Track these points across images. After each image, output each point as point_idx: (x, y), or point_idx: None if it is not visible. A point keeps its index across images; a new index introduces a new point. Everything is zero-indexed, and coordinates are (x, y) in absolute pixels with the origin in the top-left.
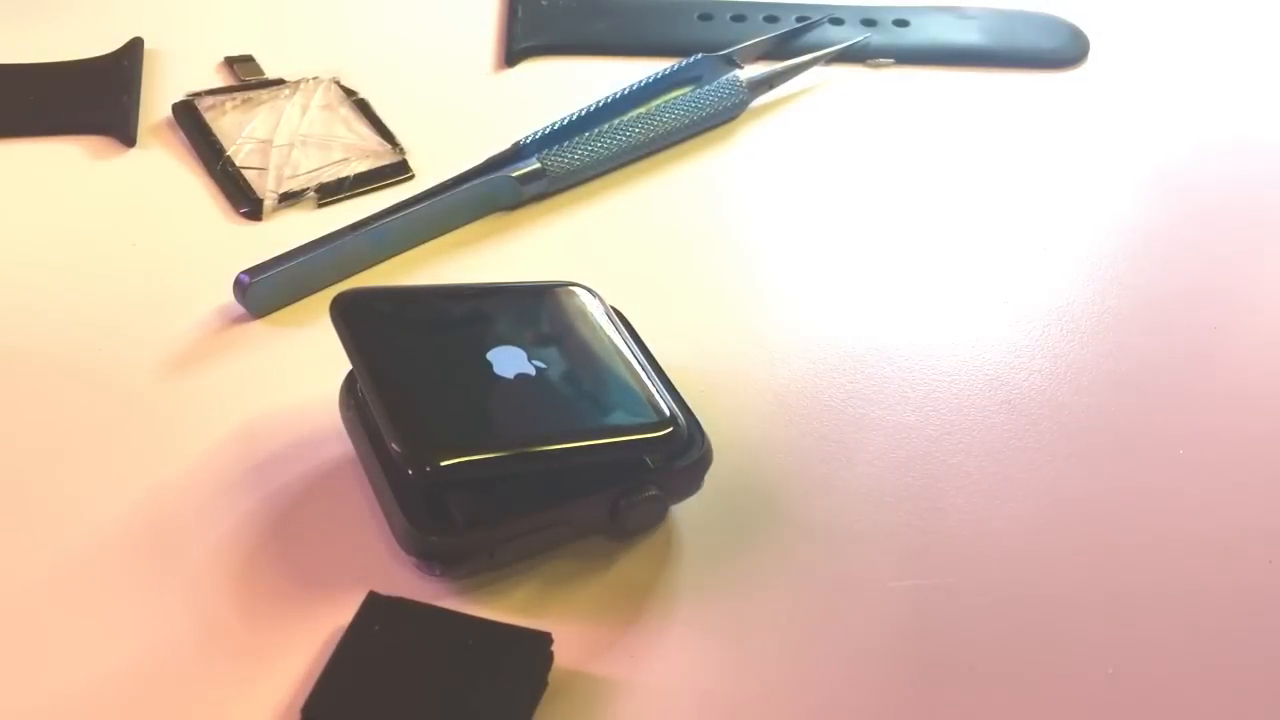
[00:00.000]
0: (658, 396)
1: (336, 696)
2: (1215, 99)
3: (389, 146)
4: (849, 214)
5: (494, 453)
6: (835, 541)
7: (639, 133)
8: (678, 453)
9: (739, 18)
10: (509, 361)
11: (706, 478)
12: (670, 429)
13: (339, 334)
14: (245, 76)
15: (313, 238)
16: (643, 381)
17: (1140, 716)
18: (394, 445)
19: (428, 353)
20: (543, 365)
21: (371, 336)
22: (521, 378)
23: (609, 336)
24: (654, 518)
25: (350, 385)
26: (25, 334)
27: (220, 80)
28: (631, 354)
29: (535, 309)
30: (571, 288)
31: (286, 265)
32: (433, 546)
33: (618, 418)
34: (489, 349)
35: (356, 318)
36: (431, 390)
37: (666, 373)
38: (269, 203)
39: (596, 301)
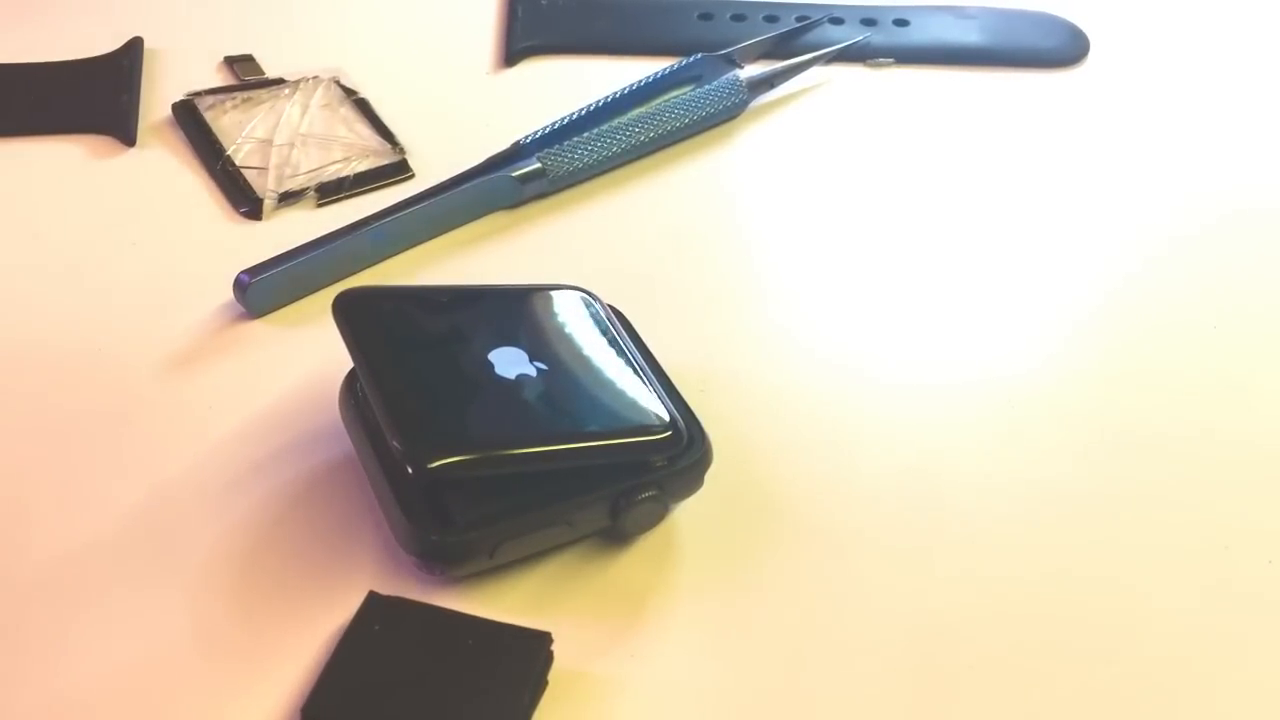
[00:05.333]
0: (658, 399)
1: (336, 696)
2: (1215, 98)
3: (389, 146)
4: (849, 214)
5: (493, 451)
6: (835, 541)
7: (639, 132)
8: (678, 454)
9: (739, 17)
10: (510, 362)
11: (707, 477)
12: (669, 432)
13: (341, 332)
14: (245, 76)
15: (312, 237)
16: (643, 384)
17: (1140, 715)
18: (395, 443)
19: (429, 352)
20: (544, 367)
21: (373, 335)
22: (523, 378)
23: (609, 339)
24: (654, 518)
25: (351, 384)
26: (25, 334)
27: (220, 80)
28: (632, 356)
29: (536, 311)
30: (572, 290)
31: (286, 265)
32: (433, 545)
33: (618, 420)
34: (490, 350)
35: (358, 316)
36: (433, 389)
37: (666, 373)
38: (269, 202)
39: (597, 304)
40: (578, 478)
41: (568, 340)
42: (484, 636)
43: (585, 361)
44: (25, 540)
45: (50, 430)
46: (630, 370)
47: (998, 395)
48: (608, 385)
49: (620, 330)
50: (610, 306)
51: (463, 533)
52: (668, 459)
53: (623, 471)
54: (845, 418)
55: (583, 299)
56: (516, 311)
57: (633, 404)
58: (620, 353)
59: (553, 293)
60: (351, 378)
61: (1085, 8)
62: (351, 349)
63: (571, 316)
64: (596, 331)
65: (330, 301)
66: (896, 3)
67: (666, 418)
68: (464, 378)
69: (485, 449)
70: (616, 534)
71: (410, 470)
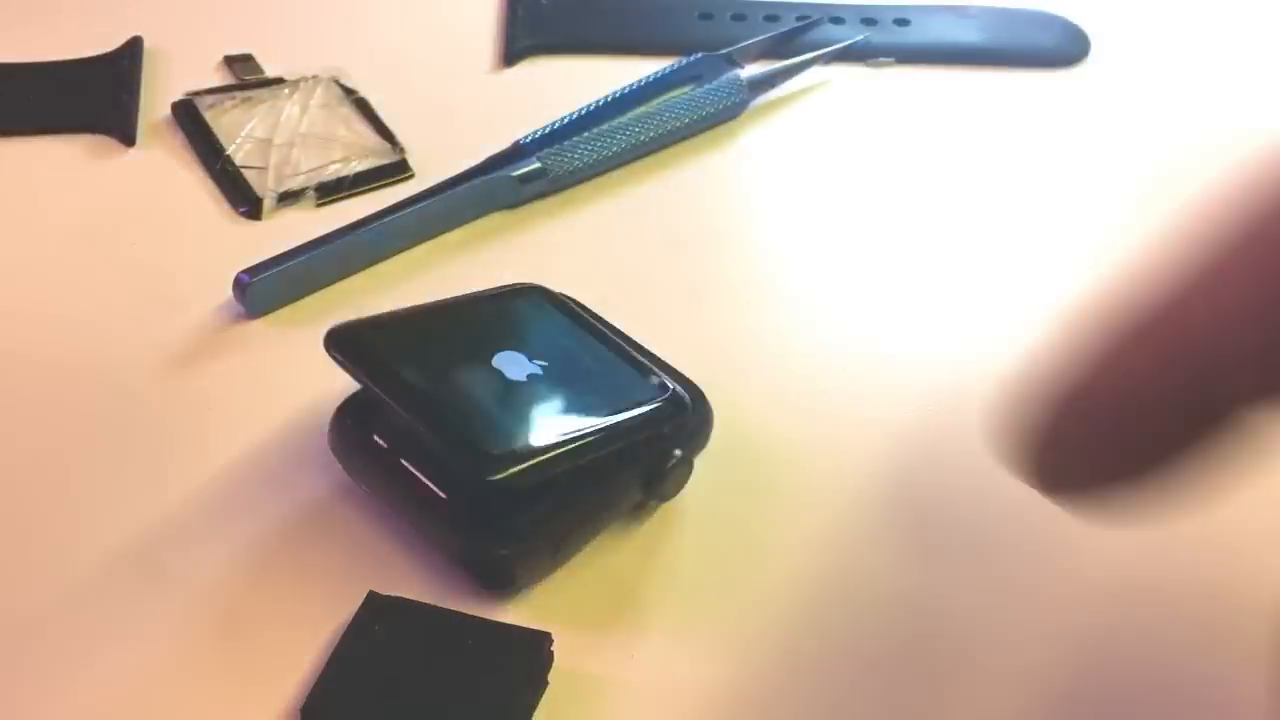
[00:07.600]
0: (648, 368)
1: (336, 696)
2: (1217, 98)
3: (388, 146)
4: (850, 213)
5: (551, 451)
6: (835, 542)
7: (639, 132)
8: (687, 411)
9: (739, 17)
10: (514, 365)
11: (707, 478)
12: (673, 393)
13: (344, 368)
14: (245, 75)
15: (312, 237)
16: (630, 357)
17: (1141, 715)
18: (457, 465)
19: (438, 368)
20: (544, 363)
21: (378, 364)
22: (533, 378)
23: (583, 324)
24: (684, 478)
25: (351, 414)
26: (23, 334)
27: (220, 79)
28: (608, 335)
29: (511, 312)
30: (529, 287)
31: (286, 265)
32: (503, 561)
33: (628, 394)
34: (491, 356)
35: (356, 349)
36: (461, 403)
37: (639, 343)
38: (268, 202)
39: (555, 295)
40: (610, 459)
41: (552, 333)
42: (484, 636)
43: (576, 350)
44: (22, 541)
45: (49, 431)
46: (613, 348)
47: (999, 395)
48: (604, 366)
49: (586, 313)
50: (563, 295)
51: (529, 538)
52: (679, 421)
53: (645, 442)
54: (846, 419)
55: (543, 292)
56: (494, 316)
57: (631, 377)
58: (598, 334)
59: (515, 292)
60: (346, 409)
61: (1085, 7)
62: (364, 381)
63: (541, 310)
64: (570, 320)
65: (330, 301)
66: (896, 2)
67: (665, 383)
68: (483, 387)
69: (543, 451)
70: (658, 496)
71: (481, 485)
